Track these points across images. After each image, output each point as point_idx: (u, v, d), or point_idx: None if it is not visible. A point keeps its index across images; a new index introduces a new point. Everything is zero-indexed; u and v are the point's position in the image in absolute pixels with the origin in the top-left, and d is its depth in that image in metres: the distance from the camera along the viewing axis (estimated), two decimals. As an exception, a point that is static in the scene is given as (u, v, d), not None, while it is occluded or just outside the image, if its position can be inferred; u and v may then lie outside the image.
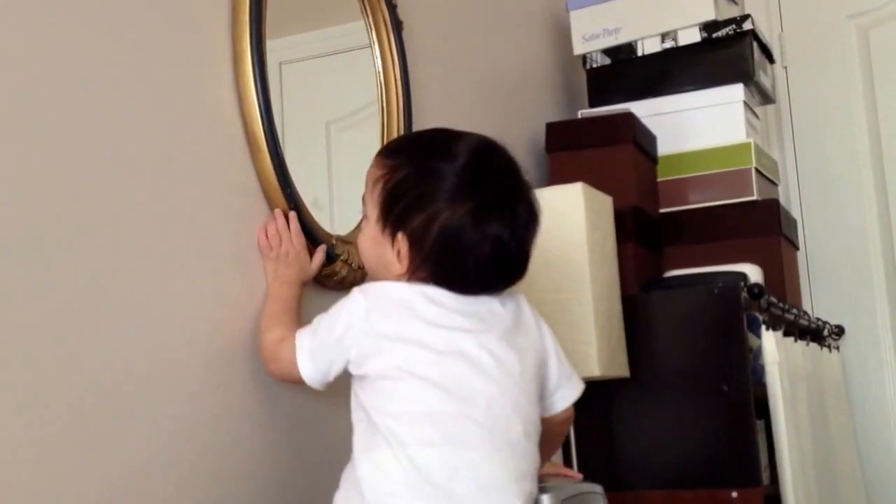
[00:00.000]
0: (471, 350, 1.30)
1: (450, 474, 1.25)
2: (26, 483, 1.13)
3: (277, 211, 1.55)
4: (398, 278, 1.36)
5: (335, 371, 1.37)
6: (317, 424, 1.62)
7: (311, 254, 1.59)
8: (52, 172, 1.22)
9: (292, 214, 1.56)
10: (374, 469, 1.28)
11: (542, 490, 1.53)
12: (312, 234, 1.62)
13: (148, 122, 1.38)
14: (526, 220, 1.36)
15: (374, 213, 1.38)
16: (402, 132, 1.89)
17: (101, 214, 1.28)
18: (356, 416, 1.34)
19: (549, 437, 1.47)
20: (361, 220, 1.48)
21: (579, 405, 2.06)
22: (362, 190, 1.77)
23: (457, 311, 1.33)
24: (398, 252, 1.35)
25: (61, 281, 1.21)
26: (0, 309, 1.13)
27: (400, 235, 1.34)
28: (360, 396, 1.33)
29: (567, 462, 2.08)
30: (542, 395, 1.42)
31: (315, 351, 1.37)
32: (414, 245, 1.33)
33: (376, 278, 1.42)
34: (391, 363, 1.29)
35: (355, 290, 1.36)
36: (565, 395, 1.47)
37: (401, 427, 1.27)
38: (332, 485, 1.35)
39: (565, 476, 1.68)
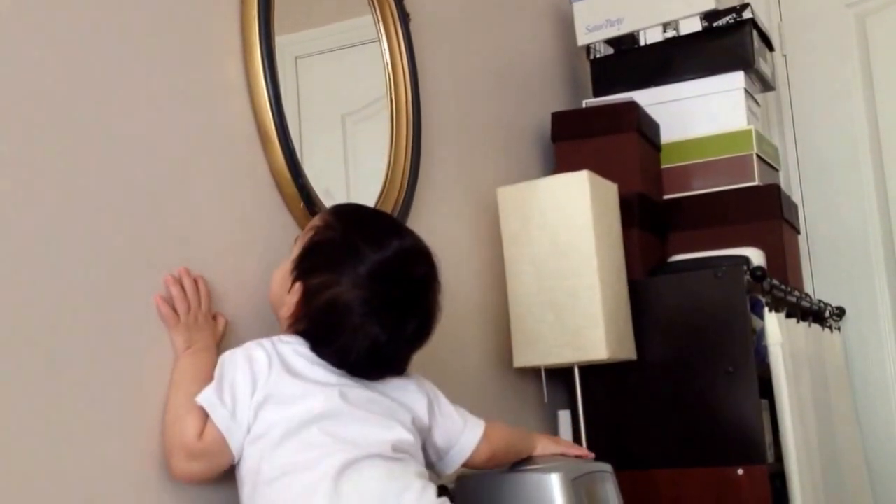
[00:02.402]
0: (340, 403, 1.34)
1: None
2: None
3: (182, 270, 1.39)
4: (283, 320, 1.42)
5: (252, 414, 1.31)
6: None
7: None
8: (55, 167, 1.24)
9: (200, 278, 1.42)
10: None
11: (551, 469, 1.57)
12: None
13: (159, 116, 1.41)
14: (410, 335, 1.40)
15: (293, 253, 1.44)
16: (410, 123, 1.92)
17: (107, 208, 1.30)
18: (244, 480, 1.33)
19: (495, 459, 1.58)
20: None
21: (589, 387, 2.12)
22: (378, 181, 1.81)
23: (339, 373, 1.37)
24: (291, 299, 1.39)
25: (60, 278, 1.23)
26: None
27: (298, 285, 1.39)
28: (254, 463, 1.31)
29: (576, 443, 2.12)
30: (444, 452, 1.52)
31: (229, 400, 1.32)
32: (303, 300, 1.38)
33: (274, 309, 1.47)
34: (279, 418, 1.30)
35: (251, 343, 1.36)
36: (460, 452, 1.53)
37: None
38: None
39: (576, 455, 1.71)
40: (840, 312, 2.96)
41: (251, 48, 1.58)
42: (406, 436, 1.37)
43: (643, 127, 2.45)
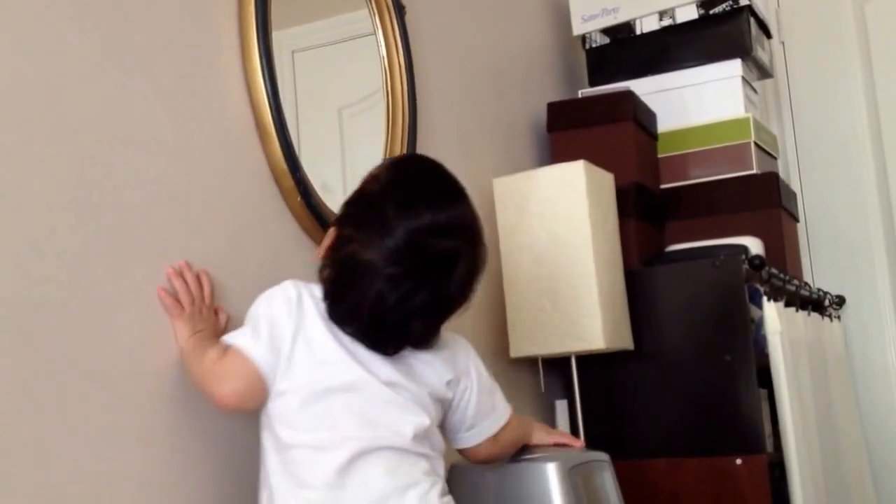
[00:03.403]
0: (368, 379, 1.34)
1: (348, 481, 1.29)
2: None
3: (182, 264, 1.40)
4: (313, 262, 1.41)
5: (286, 348, 1.32)
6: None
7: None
8: (53, 163, 1.25)
9: (203, 273, 1.43)
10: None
11: (548, 459, 1.58)
12: (322, 218, 1.66)
13: (157, 111, 1.41)
14: (419, 306, 1.33)
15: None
16: (406, 116, 1.92)
17: (104, 202, 1.31)
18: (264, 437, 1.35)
19: (502, 449, 1.57)
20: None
21: (586, 377, 2.12)
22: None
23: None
24: (325, 241, 1.40)
25: (60, 267, 1.24)
26: None
27: (332, 230, 1.40)
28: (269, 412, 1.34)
29: (574, 433, 2.12)
30: (458, 428, 1.50)
31: (258, 329, 1.33)
32: (332, 246, 1.38)
33: None
34: (303, 378, 1.32)
35: (287, 282, 1.38)
36: (481, 431, 1.52)
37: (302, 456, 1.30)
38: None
39: (569, 445, 1.71)
40: (840, 301, 2.95)
41: (249, 43, 1.59)
42: (426, 421, 1.36)
43: (640, 116, 2.44)
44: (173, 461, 1.36)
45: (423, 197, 1.37)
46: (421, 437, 1.35)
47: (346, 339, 1.34)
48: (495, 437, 1.54)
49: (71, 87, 1.28)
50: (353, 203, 1.41)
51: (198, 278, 1.42)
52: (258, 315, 1.34)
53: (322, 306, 1.36)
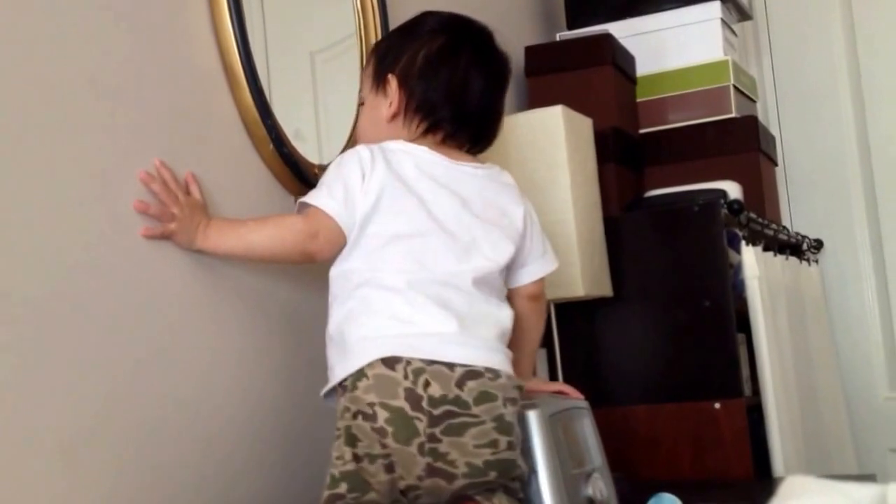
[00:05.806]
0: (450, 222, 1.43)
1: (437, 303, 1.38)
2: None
3: (157, 163, 1.40)
4: (391, 120, 1.49)
5: (360, 211, 1.40)
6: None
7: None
8: (15, 109, 1.22)
9: (159, 163, 1.41)
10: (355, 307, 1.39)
11: (529, 406, 1.57)
12: (295, 166, 1.64)
13: (122, 58, 1.38)
14: (496, 71, 1.52)
15: (369, 82, 1.53)
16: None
17: (75, 154, 1.29)
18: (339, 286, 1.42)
19: (524, 319, 1.57)
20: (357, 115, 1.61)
21: (565, 325, 2.11)
22: (349, 119, 1.78)
23: (440, 183, 1.45)
24: (390, 93, 1.49)
25: (36, 226, 1.23)
26: None
27: (390, 77, 1.49)
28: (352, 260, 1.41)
29: (553, 380, 2.12)
30: (511, 267, 1.53)
31: (333, 189, 1.41)
32: (403, 80, 1.49)
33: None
34: (388, 225, 1.40)
35: (359, 146, 1.45)
36: (531, 271, 1.55)
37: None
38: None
39: (566, 394, 1.70)
40: (818, 245, 2.96)
41: (215, -12, 1.54)
42: (487, 264, 1.43)
43: (618, 60, 2.42)
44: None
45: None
46: (483, 282, 1.42)
47: (427, 173, 1.43)
48: (535, 292, 1.56)
49: (25, 32, 1.24)
50: (384, 58, 1.52)
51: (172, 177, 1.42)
52: (331, 178, 1.43)
53: (393, 154, 1.44)
